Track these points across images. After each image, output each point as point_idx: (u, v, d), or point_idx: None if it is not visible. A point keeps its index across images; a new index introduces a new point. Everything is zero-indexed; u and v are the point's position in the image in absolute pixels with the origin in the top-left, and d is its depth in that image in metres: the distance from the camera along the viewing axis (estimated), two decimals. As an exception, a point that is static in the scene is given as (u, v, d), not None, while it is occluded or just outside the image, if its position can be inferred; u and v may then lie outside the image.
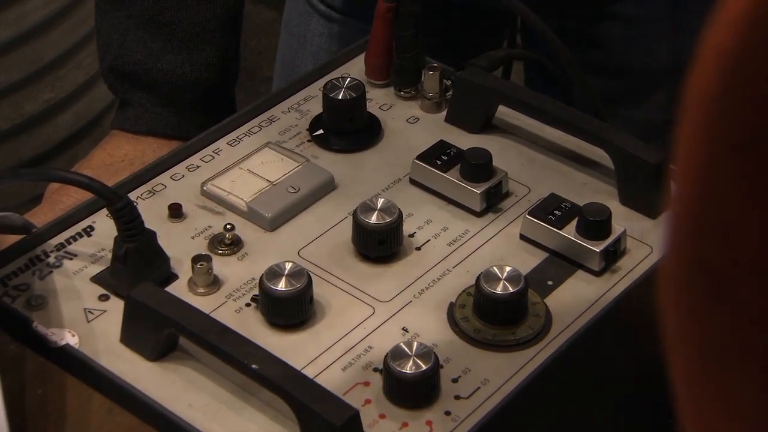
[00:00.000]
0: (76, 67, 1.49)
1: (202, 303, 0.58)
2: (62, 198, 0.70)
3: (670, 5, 0.90)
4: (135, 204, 0.59)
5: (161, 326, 0.55)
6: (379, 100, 0.71)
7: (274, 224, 0.63)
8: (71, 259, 0.61)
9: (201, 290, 0.59)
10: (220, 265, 0.60)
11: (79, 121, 1.49)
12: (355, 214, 0.60)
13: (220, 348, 0.52)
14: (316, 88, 0.71)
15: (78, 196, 0.63)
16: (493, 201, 0.64)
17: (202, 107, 0.79)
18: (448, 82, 0.71)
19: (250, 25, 0.90)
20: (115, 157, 0.77)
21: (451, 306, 0.58)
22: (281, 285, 0.56)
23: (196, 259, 0.59)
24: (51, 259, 0.61)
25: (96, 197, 0.61)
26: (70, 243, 0.62)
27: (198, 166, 0.67)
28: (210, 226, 0.62)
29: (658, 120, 0.88)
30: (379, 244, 0.60)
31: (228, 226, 0.61)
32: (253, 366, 0.51)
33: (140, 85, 0.81)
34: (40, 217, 0.66)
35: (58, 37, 1.45)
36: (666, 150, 0.62)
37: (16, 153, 1.42)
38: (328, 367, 0.55)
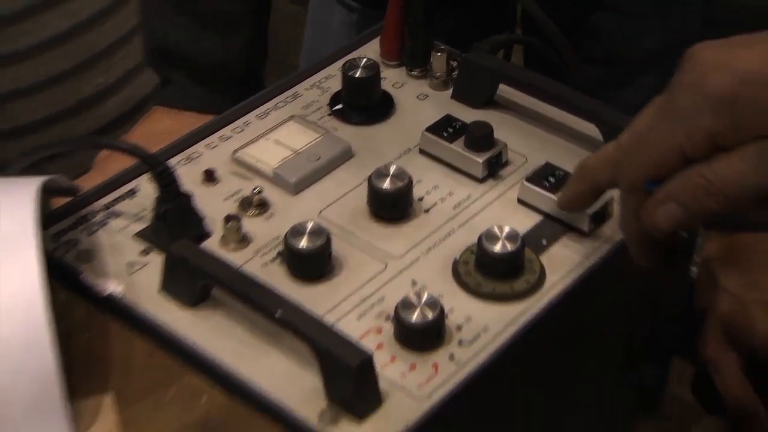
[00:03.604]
0: (125, 56, 1.49)
1: (233, 258, 0.57)
2: (110, 164, 0.69)
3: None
4: (173, 169, 0.58)
5: (197, 278, 0.54)
6: (392, 78, 0.71)
7: (297, 188, 0.62)
8: (116, 218, 0.61)
9: (232, 246, 0.58)
10: (249, 225, 0.59)
11: (127, 103, 1.50)
12: (370, 179, 0.60)
13: (248, 297, 0.52)
14: (336, 68, 0.71)
15: (124, 163, 0.62)
16: (494, 169, 0.63)
17: (234, 86, 0.78)
18: (454, 63, 0.70)
19: (278, 16, 0.89)
20: (157, 129, 0.76)
21: (455, 262, 0.57)
22: (303, 242, 0.55)
23: (228, 219, 0.58)
24: (98, 218, 0.60)
25: (139, 163, 0.60)
26: (115, 204, 0.62)
27: (230, 137, 0.66)
28: (240, 190, 0.62)
29: (644, 101, 0.86)
30: (392, 206, 0.60)
31: (256, 190, 0.60)
32: (278, 314, 0.50)
33: (180, 66, 0.80)
34: (89, 182, 0.65)
35: (110, 28, 1.46)
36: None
37: (72, 131, 1.42)
38: (345, 315, 0.54)
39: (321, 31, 1.00)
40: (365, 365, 0.49)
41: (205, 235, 0.59)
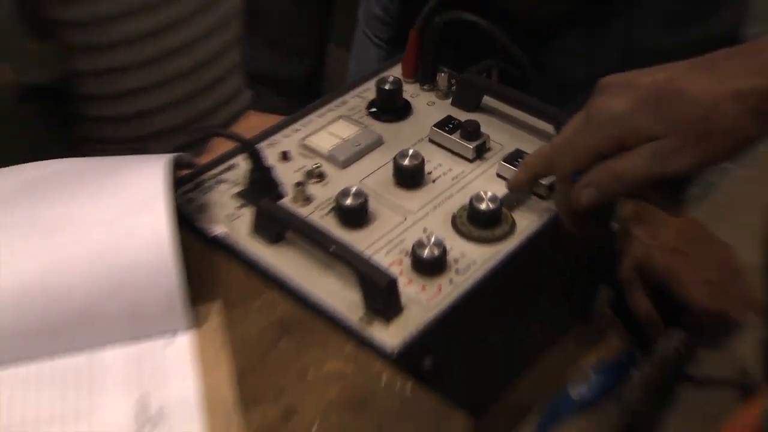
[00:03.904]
0: (232, 79, 1.46)
1: (300, 211, 0.56)
2: (219, 147, 0.68)
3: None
4: (261, 151, 0.57)
5: (276, 225, 0.53)
6: (410, 91, 0.69)
7: (344, 164, 0.60)
8: (221, 183, 0.59)
9: (299, 204, 0.57)
10: (311, 189, 0.58)
11: (231, 111, 1.45)
12: (395, 159, 0.58)
13: (311, 237, 0.51)
14: (371, 84, 0.69)
15: (228, 145, 0.61)
16: (480, 153, 0.62)
17: (302, 96, 0.77)
18: (454, 81, 0.68)
19: (330, 54, 0.88)
20: (250, 125, 0.76)
21: (454, 216, 0.56)
22: (349, 200, 0.54)
23: (297, 185, 0.57)
24: (209, 183, 0.59)
25: (239, 146, 0.59)
26: (221, 174, 0.60)
27: (299, 129, 0.64)
28: (305, 165, 0.60)
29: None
30: (410, 177, 0.59)
31: (316, 165, 0.59)
32: (332, 249, 0.49)
33: (265, 83, 0.80)
34: (206, 158, 0.64)
35: (222, 62, 1.44)
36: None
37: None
38: (377, 251, 0.53)
39: (360, 62, 0.99)
40: (391, 284, 0.48)
41: (281, 195, 0.57)
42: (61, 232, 0.48)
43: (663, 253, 0.68)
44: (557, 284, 0.65)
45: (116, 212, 0.49)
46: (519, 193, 0.57)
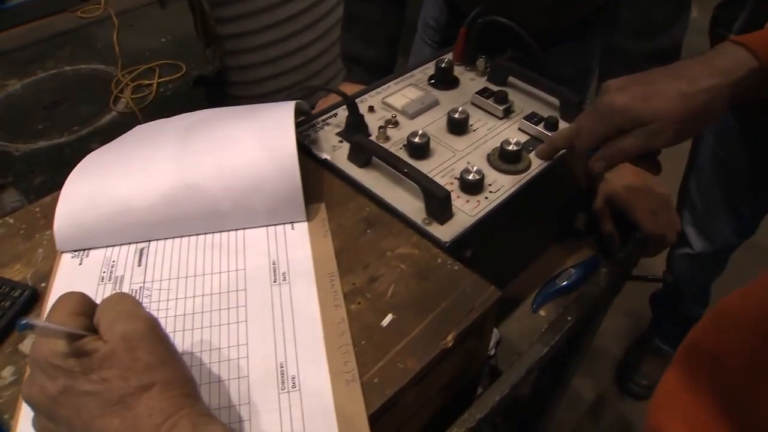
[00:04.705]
0: (335, 63, 1.41)
1: (383, 145, 0.52)
2: (328, 101, 0.64)
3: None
4: (356, 103, 0.53)
5: (365, 153, 0.50)
6: (457, 71, 0.64)
7: (412, 116, 0.56)
8: (328, 125, 0.56)
9: (381, 141, 0.53)
10: (389, 132, 0.54)
11: (332, 83, 1.41)
12: (449, 113, 0.54)
13: (390, 162, 0.48)
14: (431, 64, 0.64)
15: (332, 99, 0.57)
16: (507, 113, 0.57)
17: (382, 71, 0.72)
18: (488, 64, 0.63)
19: (400, 49, 0.82)
20: (349, 91, 0.71)
21: (488, 154, 0.52)
22: (416, 139, 0.51)
23: (379, 128, 0.53)
24: (319, 125, 0.56)
25: (341, 101, 0.56)
26: (327, 119, 0.57)
27: (380, 92, 0.60)
28: (385, 116, 0.56)
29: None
30: (458, 127, 0.54)
31: (393, 116, 0.55)
32: (406, 170, 0.46)
33: (354, 63, 0.75)
34: (316, 109, 0.60)
35: (328, 52, 1.38)
36: (582, 98, 0.57)
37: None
38: (436, 175, 0.50)
39: (417, 57, 0.93)
40: (446, 197, 0.45)
41: (368, 135, 0.54)
42: (225, 149, 0.45)
43: (624, 190, 0.63)
44: (553, 207, 0.61)
45: (261, 137, 0.46)
46: (543, 159, 0.53)
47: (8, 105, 1.10)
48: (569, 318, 0.54)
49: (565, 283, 0.59)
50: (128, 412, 0.27)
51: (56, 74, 1.16)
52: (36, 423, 0.30)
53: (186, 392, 0.29)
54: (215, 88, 1.31)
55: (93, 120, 1.07)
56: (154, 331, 0.30)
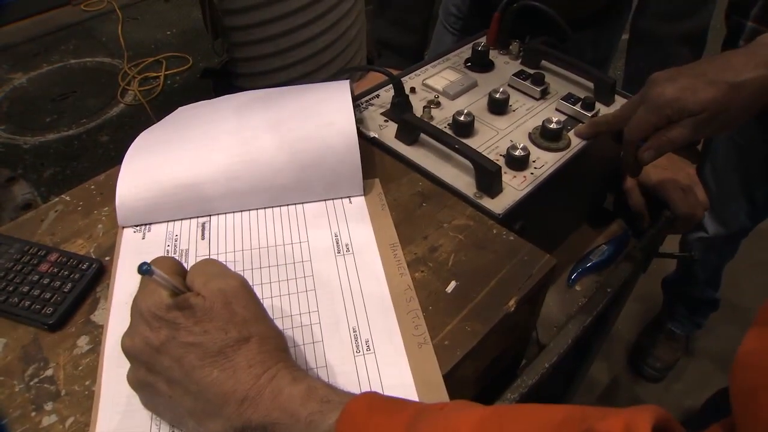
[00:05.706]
0: (362, 48, 1.38)
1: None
2: (363, 83, 0.65)
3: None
4: (401, 83, 0.55)
5: (413, 129, 0.52)
6: (493, 55, 0.65)
7: (453, 97, 0.58)
8: (373, 105, 0.58)
9: (425, 118, 0.55)
10: (432, 111, 0.56)
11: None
12: (490, 93, 0.56)
13: (439, 138, 0.50)
14: (468, 47, 0.66)
15: (366, 84, 0.59)
16: (544, 94, 0.59)
17: (410, 57, 0.74)
18: (521, 48, 0.64)
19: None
20: (377, 75, 0.72)
21: (530, 133, 0.54)
22: (462, 117, 0.53)
23: (423, 108, 0.55)
24: (363, 105, 0.57)
25: (386, 80, 0.57)
26: (372, 99, 0.58)
27: (419, 74, 0.62)
28: (427, 96, 0.58)
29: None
30: (499, 106, 0.56)
31: (435, 96, 0.57)
32: (457, 146, 0.47)
33: (387, 48, 0.76)
34: (359, 89, 0.62)
35: (353, 35, 1.37)
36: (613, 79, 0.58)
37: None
38: (482, 151, 0.51)
39: (438, 44, 0.95)
40: (497, 171, 0.47)
41: (413, 112, 0.55)
42: (285, 124, 0.46)
43: (655, 170, 0.65)
44: (588, 185, 0.63)
45: (320, 113, 0.47)
46: (582, 138, 0.54)
47: (15, 98, 1.11)
48: (609, 289, 0.56)
49: (599, 258, 0.61)
50: (228, 363, 0.28)
51: (62, 67, 1.17)
52: (132, 376, 0.31)
53: (281, 346, 0.31)
54: (223, 80, 1.32)
55: (101, 112, 1.07)
56: (246, 288, 0.31)
